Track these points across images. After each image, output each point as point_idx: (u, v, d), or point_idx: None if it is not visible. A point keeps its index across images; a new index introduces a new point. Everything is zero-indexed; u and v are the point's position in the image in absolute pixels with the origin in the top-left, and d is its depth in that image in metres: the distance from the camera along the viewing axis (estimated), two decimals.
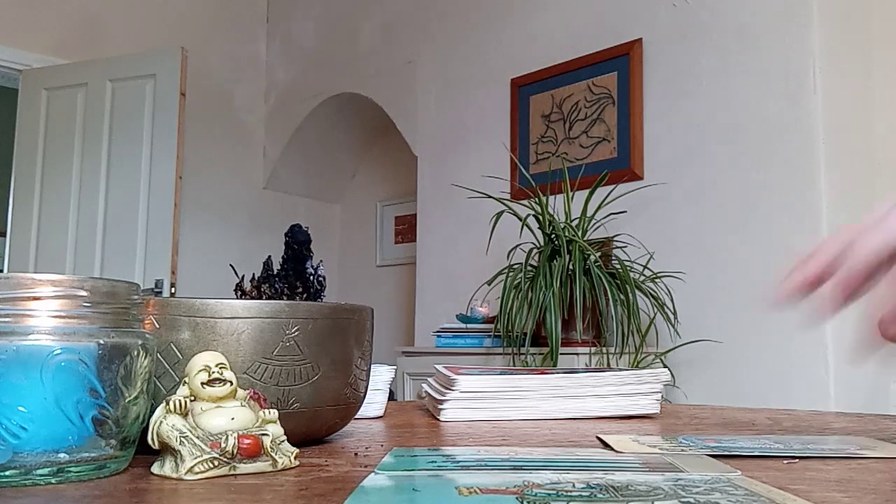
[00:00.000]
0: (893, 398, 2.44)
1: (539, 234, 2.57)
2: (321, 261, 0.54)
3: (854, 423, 0.74)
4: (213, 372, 0.42)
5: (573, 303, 2.38)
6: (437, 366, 0.90)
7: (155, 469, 0.40)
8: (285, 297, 0.53)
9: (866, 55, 2.58)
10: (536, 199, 2.56)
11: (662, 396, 0.85)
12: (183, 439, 0.39)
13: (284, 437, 0.42)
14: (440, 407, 0.77)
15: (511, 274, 2.52)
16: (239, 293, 0.54)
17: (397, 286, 4.29)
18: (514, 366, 2.41)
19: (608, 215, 2.64)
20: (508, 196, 2.98)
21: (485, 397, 0.78)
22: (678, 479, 0.37)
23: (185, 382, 0.42)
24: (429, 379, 0.89)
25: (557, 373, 0.85)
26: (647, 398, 0.81)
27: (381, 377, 0.80)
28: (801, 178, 2.37)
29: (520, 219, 2.56)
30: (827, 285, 0.51)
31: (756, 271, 2.41)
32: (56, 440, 0.38)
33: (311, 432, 0.52)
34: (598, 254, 2.47)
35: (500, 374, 0.82)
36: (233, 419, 0.41)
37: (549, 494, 0.33)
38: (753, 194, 2.45)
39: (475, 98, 3.38)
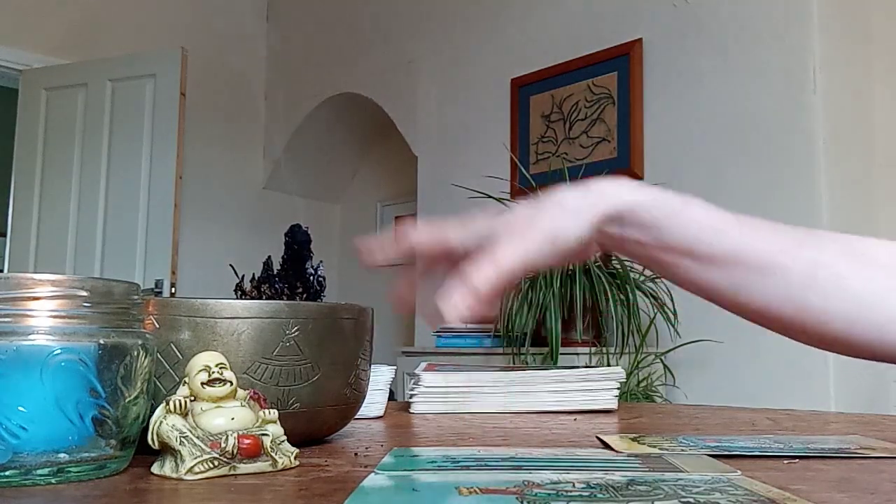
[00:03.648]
0: (893, 398, 2.44)
1: None
2: (321, 261, 0.54)
3: (854, 423, 0.74)
4: (213, 372, 0.42)
5: (573, 303, 2.38)
6: (422, 364, 0.96)
7: (155, 469, 0.40)
8: (285, 297, 0.53)
9: (866, 55, 2.58)
10: None
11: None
12: (183, 439, 0.39)
13: (284, 437, 0.42)
14: (410, 401, 0.84)
15: None
16: (239, 293, 0.54)
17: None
18: (514, 365, 2.41)
19: None
20: (508, 196, 2.98)
21: (449, 392, 0.84)
22: (678, 479, 0.37)
23: (185, 382, 0.42)
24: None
25: (517, 370, 0.92)
26: (606, 393, 0.86)
27: (381, 377, 0.80)
28: (801, 178, 2.37)
29: None
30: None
31: None
32: (56, 440, 0.38)
33: (311, 432, 0.52)
34: (598, 253, 2.47)
35: (467, 372, 0.88)
36: (233, 419, 0.41)
37: (549, 494, 0.33)
38: (753, 194, 2.45)
39: (475, 98, 3.38)
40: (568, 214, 0.54)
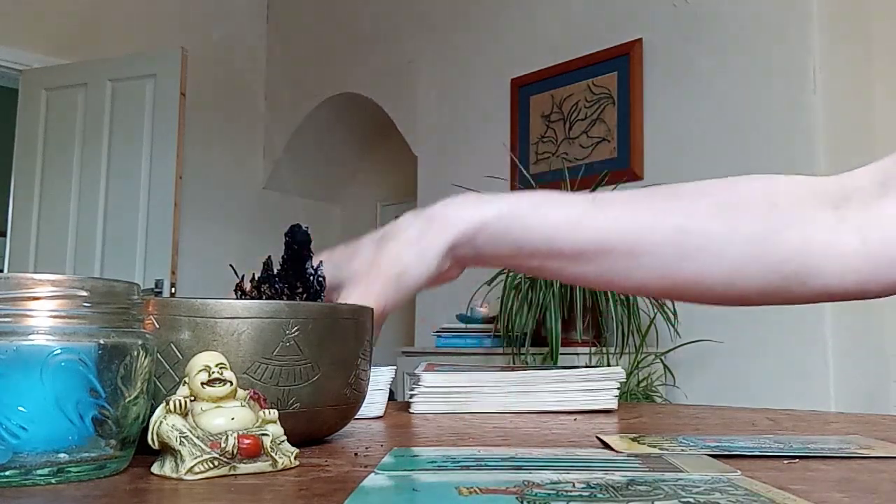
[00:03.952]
0: (893, 398, 2.44)
1: None
2: (321, 261, 0.54)
3: (854, 423, 0.73)
4: (213, 372, 0.42)
5: (573, 303, 2.38)
6: (422, 364, 0.97)
7: (155, 469, 0.40)
8: (285, 297, 0.53)
9: (866, 55, 2.58)
10: None
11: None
12: (183, 439, 0.39)
13: (284, 437, 0.42)
14: (410, 401, 0.85)
15: (511, 274, 2.52)
16: (239, 293, 0.54)
17: None
18: (514, 365, 2.41)
19: None
20: None
21: (449, 392, 0.85)
22: (678, 479, 0.37)
23: (185, 382, 0.42)
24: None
25: (517, 370, 0.92)
26: (606, 393, 0.86)
27: (381, 377, 0.80)
28: None
29: None
30: None
31: None
32: (56, 440, 0.38)
33: (311, 432, 0.52)
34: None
35: (467, 372, 0.88)
36: (233, 419, 0.41)
37: (549, 494, 0.33)
38: None
39: (475, 98, 3.38)
40: (412, 253, 0.53)
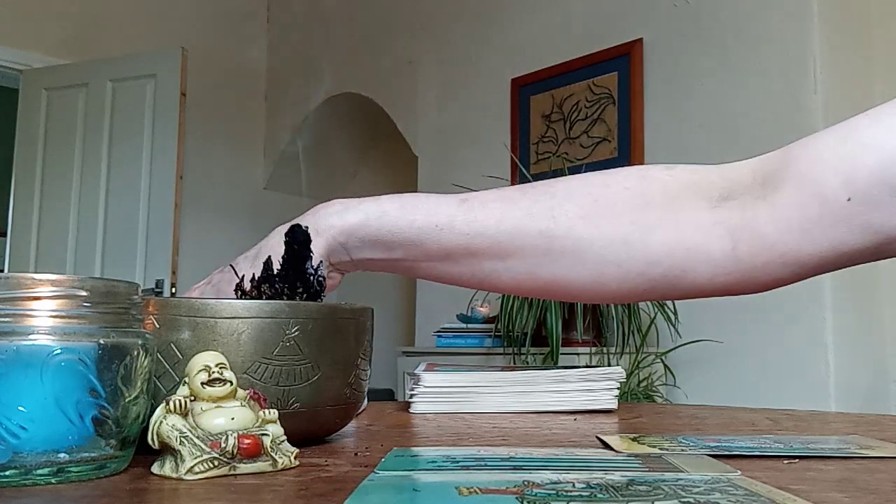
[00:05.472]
0: (893, 398, 2.44)
1: None
2: (321, 261, 0.54)
3: (854, 423, 0.73)
4: (213, 372, 0.42)
5: (573, 303, 2.38)
6: (421, 364, 0.97)
7: (155, 469, 0.40)
8: (285, 297, 0.53)
9: (866, 55, 2.58)
10: None
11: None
12: (183, 439, 0.39)
13: (284, 437, 0.42)
14: (410, 401, 0.85)
15: None
16: (239, 293, 0.54)
17: (397, 286, 4.30)
18: (514, 365, 2.41)
19: None
20: None
21: (449, 392, 0.85)
22: (678, 479, 0.37)
23: (185, 382, 0.42)
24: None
25: (517, 370, 0.92)
26: (606, 393, 0.86)
27: None
28: None
29: None
30: None
31: None
32: (56, 440, 0.38)
33: (311, 432, 0.52)
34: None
35: (467, 372, 0.89)
36: (233, 419, 0.41)
37: (549, 494, 0.33)
38: None
39: (475, 98, 3.38)
40: None
